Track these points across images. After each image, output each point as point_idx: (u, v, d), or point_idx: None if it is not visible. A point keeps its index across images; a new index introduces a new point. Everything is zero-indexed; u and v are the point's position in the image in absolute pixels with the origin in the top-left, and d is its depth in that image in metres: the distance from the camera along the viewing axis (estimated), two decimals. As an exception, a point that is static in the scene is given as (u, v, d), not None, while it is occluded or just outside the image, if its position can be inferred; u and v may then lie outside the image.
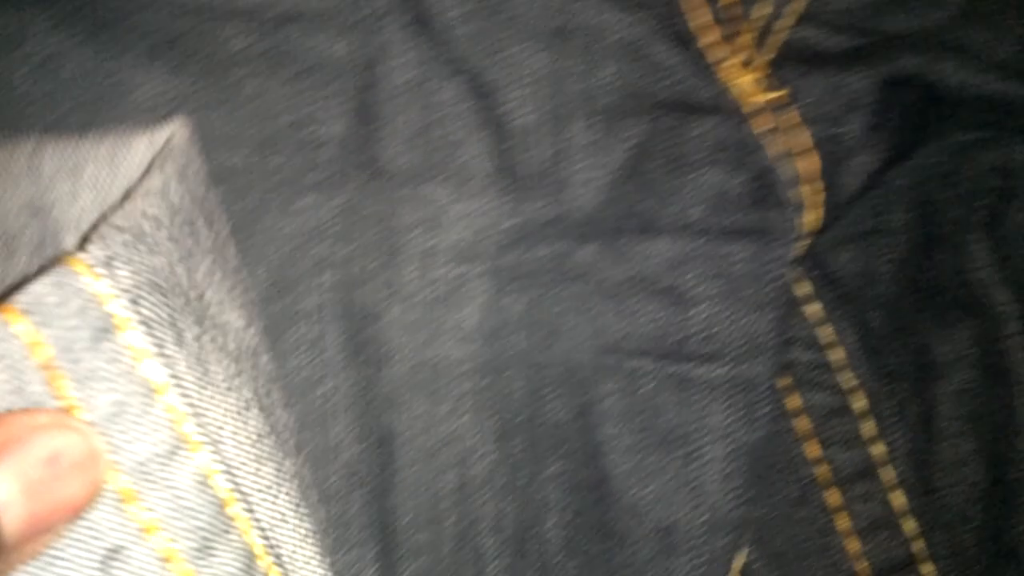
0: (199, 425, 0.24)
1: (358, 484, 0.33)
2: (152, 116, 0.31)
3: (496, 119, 0.35)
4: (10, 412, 0.22)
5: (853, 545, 0.36)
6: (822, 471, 0.37)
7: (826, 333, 0.38)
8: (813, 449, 0.37)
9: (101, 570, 0.23)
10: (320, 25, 0.33)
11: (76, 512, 0.23)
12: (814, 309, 0.38)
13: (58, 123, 0.31)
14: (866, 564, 0.36)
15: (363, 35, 0.33)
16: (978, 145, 0.38)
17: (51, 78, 0.31)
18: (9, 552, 0.21)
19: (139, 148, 0.29)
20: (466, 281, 0.35)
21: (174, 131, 0.29)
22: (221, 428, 0.25)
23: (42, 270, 0.23)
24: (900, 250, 0.38)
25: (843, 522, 0.36)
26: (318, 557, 0.25)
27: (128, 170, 0.29)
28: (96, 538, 0.23)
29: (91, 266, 0.23)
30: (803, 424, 0.37)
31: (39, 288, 0.23)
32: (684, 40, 0.36)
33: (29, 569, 0.22)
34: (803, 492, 0.37)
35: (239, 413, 0.25)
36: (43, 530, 0.22)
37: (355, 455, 0.33)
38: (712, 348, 0.35)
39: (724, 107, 0.36)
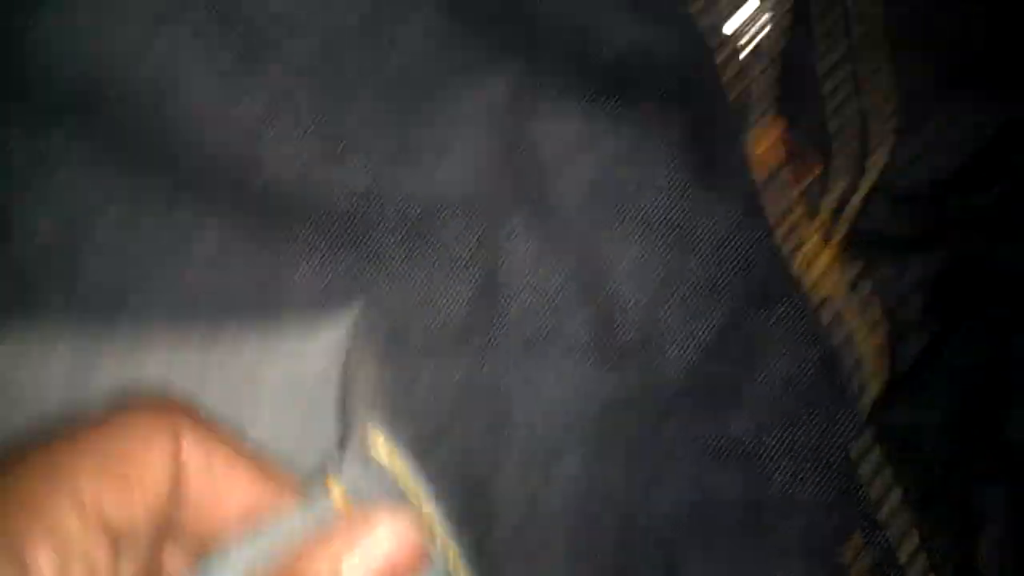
0: None
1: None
2: (310, 299, 0.33)
3: (600, 296, 0.37)
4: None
5: None
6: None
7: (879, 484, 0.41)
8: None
9: None
10: (454, 215, 0.35)
11: None
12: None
13: (226, 314, 0.32)
14: None
15: (492, 225, 0.36)
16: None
17: (220, 273, 0.33)
18: None
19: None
20: (566, 446, 0.37)
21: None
22: None
23: None
24: (946, 413, 0.42)
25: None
26: None
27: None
28: None
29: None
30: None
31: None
32: (765, 230, 0.39)
33: None
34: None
35: None
36: None
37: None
38: (788, 506, 0.38)
39: (796, 297, 0.39)
